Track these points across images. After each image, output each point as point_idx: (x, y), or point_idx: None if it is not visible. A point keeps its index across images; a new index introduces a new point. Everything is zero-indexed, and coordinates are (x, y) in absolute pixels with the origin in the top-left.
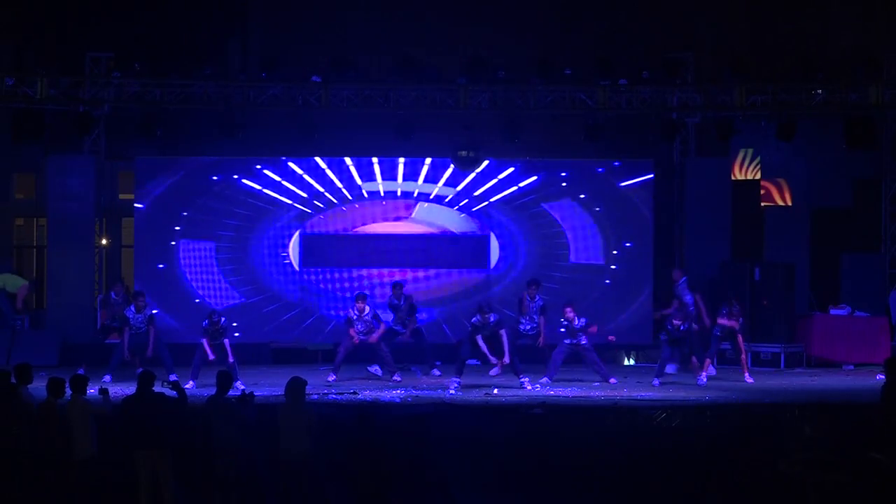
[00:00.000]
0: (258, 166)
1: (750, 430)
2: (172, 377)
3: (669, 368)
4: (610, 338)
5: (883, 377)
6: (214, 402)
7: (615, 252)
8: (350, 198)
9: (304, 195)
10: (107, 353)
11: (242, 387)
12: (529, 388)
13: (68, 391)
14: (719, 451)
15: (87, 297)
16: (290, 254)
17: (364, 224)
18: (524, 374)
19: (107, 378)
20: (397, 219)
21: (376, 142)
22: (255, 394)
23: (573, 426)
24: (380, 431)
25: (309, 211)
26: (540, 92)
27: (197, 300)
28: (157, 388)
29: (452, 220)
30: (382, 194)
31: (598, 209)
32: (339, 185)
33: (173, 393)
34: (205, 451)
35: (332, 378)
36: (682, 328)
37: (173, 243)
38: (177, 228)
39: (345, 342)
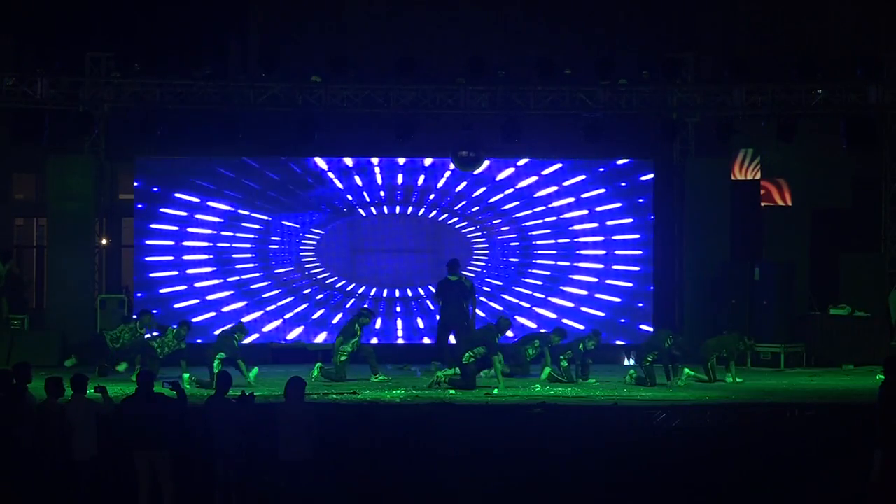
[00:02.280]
0: (258, 166)
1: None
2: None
3: None
4: None
5: (883, 377)
6: (214, 402)
7: (615, 252)
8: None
9: (305, 195)
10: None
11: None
12: None
13: (68, 390)
14: (719, 452)
15: (87, 297)
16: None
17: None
18: None
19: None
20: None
21: (376, 142)
22: (255, 394)
23: (573, 426)
24: (380, 431)
25: (310, 211)
26: (540, 92)
27: (196, 300)
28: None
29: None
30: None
31: (597, 209)
32: (340, 185)
33: (172, 393)
34: (205, 451)
35: None
36: None
37: (173, 243)
38: (176, 228)
39: None
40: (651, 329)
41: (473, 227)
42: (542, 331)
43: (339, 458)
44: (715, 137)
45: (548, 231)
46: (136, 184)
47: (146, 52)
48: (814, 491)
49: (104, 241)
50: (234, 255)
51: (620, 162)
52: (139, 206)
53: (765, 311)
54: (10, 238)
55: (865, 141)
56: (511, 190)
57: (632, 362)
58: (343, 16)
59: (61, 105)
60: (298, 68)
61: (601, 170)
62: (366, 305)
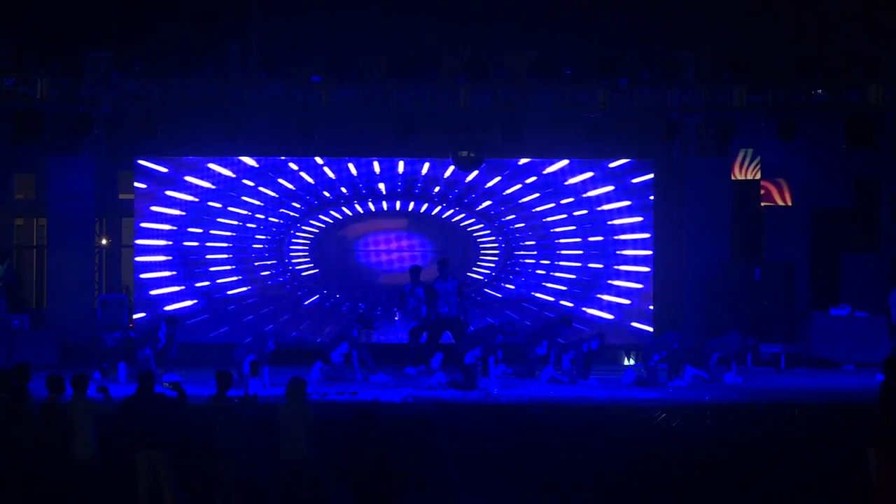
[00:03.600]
0: (258, 166)
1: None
2: (169, 377)
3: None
4: None
5: (882, 377)
6: (215, 402)
7: (616, 252)
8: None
9: (304, 196)
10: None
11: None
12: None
13: (69, 390)
14: (719, 452)
15: (88, 297)
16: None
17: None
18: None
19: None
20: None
21: (376, 142)
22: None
23: (573, 426)
24: (380, 431)
25: (308, 211)
26: (540, 92)
27: (195, 300)
28: (156, 389)
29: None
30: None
31: (597, 209)
32: (338, 184)
33: (173, 393)
34: (206, 450)
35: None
36: None
37: (173, 243)
38: (176, 228)
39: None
40: (649, 329)
41: (482, 224)
42: (548, 320)
43: (339, 458)
44: (715, 137)
45: (546, 232)
46: (137, 184)
47: (146, 52)
48: (814, 491)
49: (104, 241)
50: (208, 256)
51: (620, 162)
52: (139, 206)
53: (765, 311)
54: (10, 238)
55: (865, 141)
56: (533, 179)
57: (632, 362)
58: (343, 16)
59: (61, 105)
60: (298, 68)
61: (600, 170)
62: (365, 310)
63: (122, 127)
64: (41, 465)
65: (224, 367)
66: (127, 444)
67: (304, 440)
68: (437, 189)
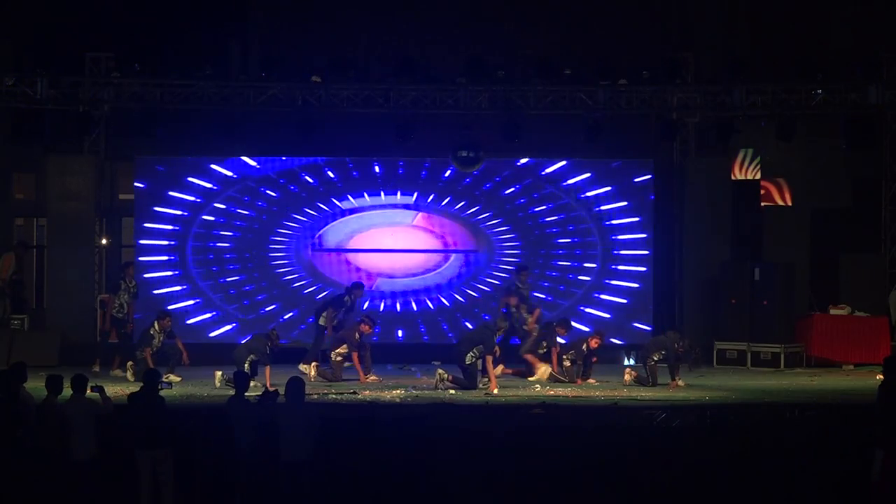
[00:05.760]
0: (258, 166)
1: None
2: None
3: None
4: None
5: (883, 377)
6: (236, 402)
7: (616, 252)
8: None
9: (303, 196)
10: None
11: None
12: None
13: (67, 390)
14: (719, 452)
15: (88, 297)
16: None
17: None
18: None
19: None
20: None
21: (376, 142)
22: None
23: (573, 426)
24: (380, 431)
25: (306, 211)
26: (540, 92)
27: (195, 300)
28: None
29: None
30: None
31: (598, 209)
32: (340, 186)
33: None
34: (224, 450)
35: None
36: None
37: (172, 243)
38: (176, 228)
39: None
40: (649, 328)
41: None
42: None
43: (339, 458)
44: (715, 137)
45: (546, 231)
46: (137, 184)
47: (146, 52)
48: (814, 491)
49: (104, 241)
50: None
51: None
52: (138, 205)
53: (765, 311)
54: (10, 238)
55: (865, 141)
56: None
57: (632, 362)
58: (343, 16)
59: (61, 105)
60: (298, 68)
61: (600, 170)
62: (367, 314)
63: (122, 127)
64: (40, 466)
65: (223, 367)
66: (129, 443)
67: (304, 440)
68: (447, 173)
